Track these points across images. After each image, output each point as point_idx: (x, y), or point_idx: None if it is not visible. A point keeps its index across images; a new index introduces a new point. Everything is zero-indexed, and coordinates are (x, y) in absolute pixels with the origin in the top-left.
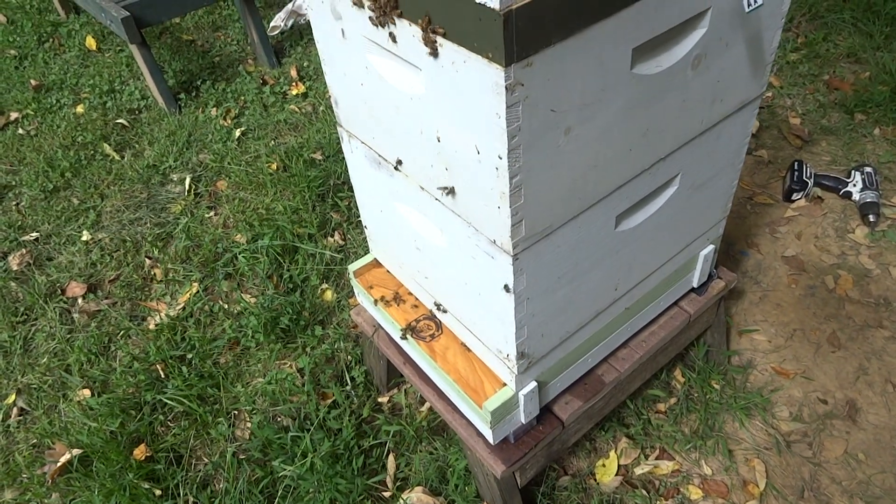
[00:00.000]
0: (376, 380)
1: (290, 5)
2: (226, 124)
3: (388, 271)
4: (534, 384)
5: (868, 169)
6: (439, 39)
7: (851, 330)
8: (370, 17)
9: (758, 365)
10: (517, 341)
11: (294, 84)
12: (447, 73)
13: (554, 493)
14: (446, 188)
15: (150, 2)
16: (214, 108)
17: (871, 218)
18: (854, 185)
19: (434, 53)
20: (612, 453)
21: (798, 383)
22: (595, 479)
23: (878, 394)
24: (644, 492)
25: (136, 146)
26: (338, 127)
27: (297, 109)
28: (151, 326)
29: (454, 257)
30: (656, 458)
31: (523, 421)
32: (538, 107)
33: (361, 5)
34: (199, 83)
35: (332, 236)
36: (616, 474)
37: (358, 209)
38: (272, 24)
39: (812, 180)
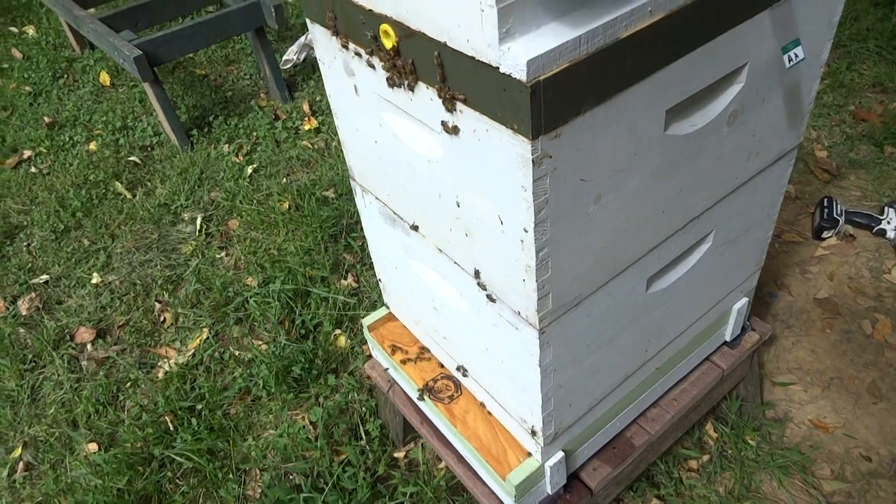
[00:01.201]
0: (392, 434)
1: (302, 38)
2: (238, 161)
3: (403, 325)
4: (560, 454)
5: None
6: (459, 105)
7: (893, 379)
8: (386, 78)
9: (794, 418)
10: (543, 413)
11: (307, 119)
12: (467, 140)
13: None
14: (476, 272)
15: (163, 40)
16: (227, 145)
17: None
18: (888, 223)
19: (453, 129)
20: None
21: (838, 438)
22: None
23: None
24: None
25: (148, 184)
26: (351, 180)
27: (309, 145)
28: (160, 375)
29: (475, 322)
30: None
31: (549, 492)
32: (567, 177)
33: (375, 67)
34: (211, 118)
35: (346, 279)
36: None
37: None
38: (285, 57)
39: (843, 217)
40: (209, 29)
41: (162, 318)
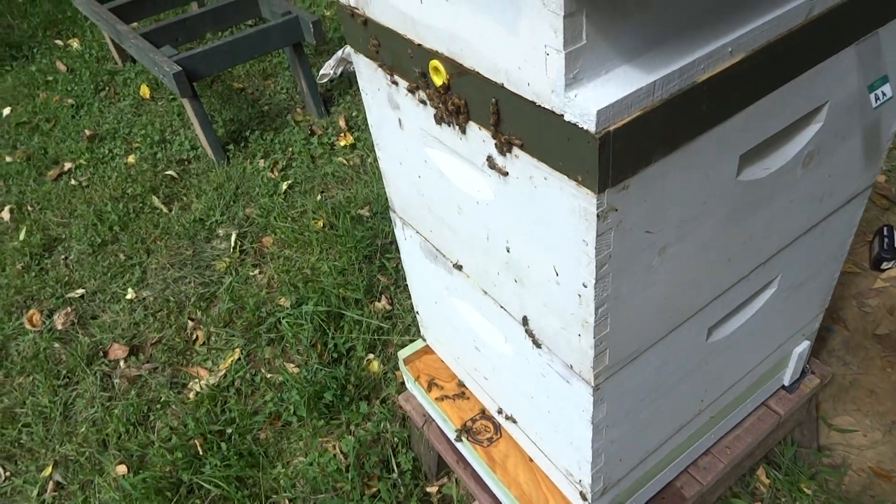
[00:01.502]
0: (425, 467)
1: (339, 53)
2: (273, 177)
3: (441, 359)
4: None
5: None
6: (515, 150)
7: None
8: (434, 115)
9: (853, 464)
10: (593, 470)
11: (342, 135)
12: (522, 186)
13: None
14: (524, 319)
15: (202, 56)
16: (262, 160)
17: None
18: None
19: (503, 171)
20: None
21: None
22: None
23: None
24: None
25: (184, 198)
26: (391, 212)
27: (344, 162)
28: (191, 396)
29: (521, 368)
30: None
31: None
32: (632, 230)
33: (424, 103)
34: (247, 133)
35: (380, 301)
36: None
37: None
38: (322, 71)
39: None
40: (247, 45)
41: (194, 337)
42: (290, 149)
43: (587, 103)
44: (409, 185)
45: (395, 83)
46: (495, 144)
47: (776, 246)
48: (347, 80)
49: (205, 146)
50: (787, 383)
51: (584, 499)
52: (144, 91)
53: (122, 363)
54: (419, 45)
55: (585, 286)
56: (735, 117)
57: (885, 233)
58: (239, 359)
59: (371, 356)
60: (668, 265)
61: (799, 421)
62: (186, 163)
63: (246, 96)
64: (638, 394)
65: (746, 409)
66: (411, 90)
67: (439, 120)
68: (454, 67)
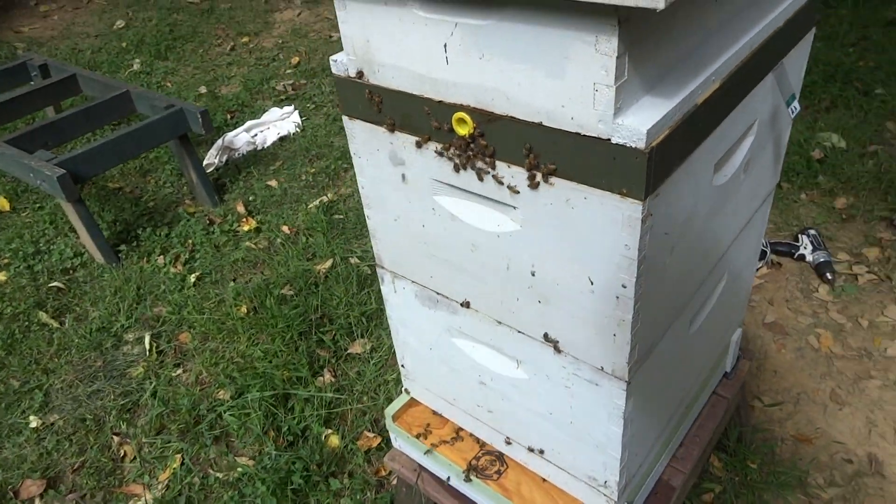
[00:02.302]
0: None
1: (219, 141)
2: (178, 271)
3: (429, 410)
4: None
5: (812, 231)
6: (551, 178)
7: (848, 385)
8: (454, 161)
9: (779, 436)
10: (620, 466)
11: (244, 220)
12: (556, 210)
13: None
14: (545, 336)
15: (86, 156)
16: (161, 256)
17: (829, 276)
18: (805, 248)
19: (535, 188)
20: None
21: (821, 447)
22: None
23: (892, 444)
24: None
25: (78, 309)
26: (378, 269)
27: (253, 246)
28: None
29: (536, 389)
30: None
31: None
32: (657, 233)
33: (441, 154)
34: (138, 231)
35: (323, 375)
36: None
37: (344, 342)
38: (205, 161)
39: (769, 248)
40: (133, 141)
41: (122, 453)
42: (190, 241)
43: (637, 126)
44: (408, 237)
45: (399, 139)
46: (528, 177)
47: (728, 242)
48: (235, 168)
49: (92, 251)
50: (728, 369)
51: (609, 499)
52: (3, 203)
53: (37, 501)
54: (439, 101)
55: (625, 287)
56: (714, 133)
57: None
58: (183, 464)
59: (329, 431)
60: (674, 263)
61: (737, 404)
62: (72, 271)
63: (125, 195)
64: (650, 386)
65: (704, 399)
66: (421, 145)
67: (462, 166)
68: (483, 116)
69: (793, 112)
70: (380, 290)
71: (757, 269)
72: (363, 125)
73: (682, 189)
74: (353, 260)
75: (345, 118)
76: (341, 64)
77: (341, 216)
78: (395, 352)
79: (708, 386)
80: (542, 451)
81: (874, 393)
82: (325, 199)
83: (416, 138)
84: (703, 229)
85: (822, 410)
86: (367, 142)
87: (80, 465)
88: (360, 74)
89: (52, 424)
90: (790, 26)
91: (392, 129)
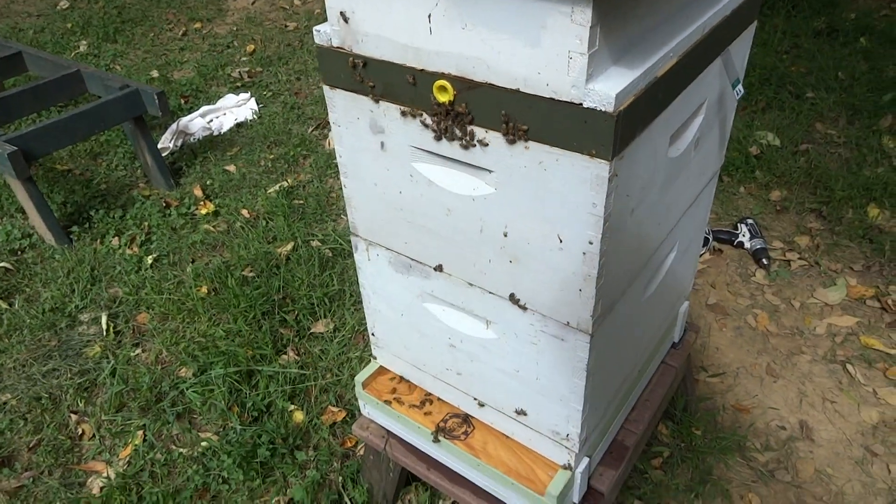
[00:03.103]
0: (378, 496)
1: (174, 126)
2: (133, 252)
3: (397, 378)
4: (587, 459)
5: (749, 220)
6: (527, 142)
7: (782, 360)
8: (433, 128)
9: (721, 406)
10: (582, 417)
11: (202, 203)
12: (529, 172)
13: None
14: (511, 296)
15: (38, 134)
16: (115, 238)
17: (765, 261)
18: (743, 236)
19: (512, 148)
20: None
21: (757, 416)
22: None
23: (820, 412)
24: None
25: (28, 290)
26: (352, 237)
27: (211, 229)
28: (95, 492)
29: (504, 348)
30: None
31: (576, 500)
32: (620, 193)
33: (423, 121)
34: (90, 213)
35: (287, 353)
36: None
37: (307, 321)
38: (160, 145)
39: (711, 235)
40: (87, 120)
41: (80, 431)
42: (146, 223)
43: (607, 91)
44: (384, 203)
45: (380, 107)
46: (505, 141)
47: (680, 213)
48: (191, 152)
49: (42, 232)
50: (676, 340)
51: (571, 451)
52: None
53: None
54: (422, 70)
55: (591, 243)
56: (670, 106)
57: None
58: (145, 440)
59: (293, 407)
60: (634, 225)
61: (683, 374)
62: (20, 252)
63: (76, 177)
64: (609, 342)
65: (654, 366)
66: (404, 113)
67: (440, 132)
68: (463, 84)
69: (738, 94)
70: (342, 272)
71: (700, 255)
72: (344, 94)
73: (642, 155)
74: (315, 243)
75: (325, 88)
76: (324, 34)
77: (301, 201)
78: (358, 331)
79: (658, 353)
80: (508, 410)
81: (805, 367)
82: (284, 184)
83: (399, 106)
84: (658, 197)
85: (759, 383)
86: (347, 110)
87: (36, 444)
88: (344, 44)
89: (5, 404)
90: (736, 16)
91: (375, 97)
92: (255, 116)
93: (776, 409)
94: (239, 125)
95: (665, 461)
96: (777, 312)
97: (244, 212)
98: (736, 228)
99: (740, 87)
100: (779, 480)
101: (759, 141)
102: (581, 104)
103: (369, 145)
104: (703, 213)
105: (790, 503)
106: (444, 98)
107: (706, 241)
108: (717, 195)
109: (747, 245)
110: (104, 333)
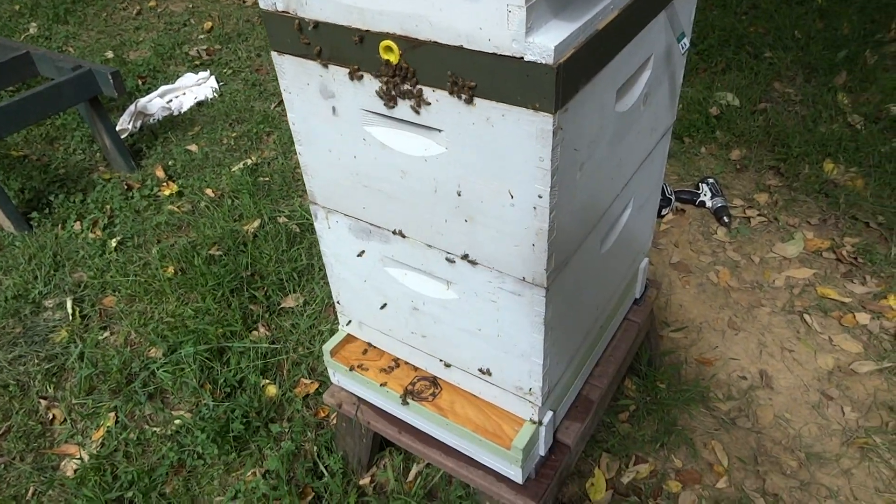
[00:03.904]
0: (353, 462)
1: (132, 107)
2: (96, 236)
3: (365, 345)
4: (551, 413)
5: (711, 180)
6: (475, 100)
7: (742, 313)
8: (380, 92)
9: (684, 359)
10: (543, 371)
11: (165, 184)
12: (477, 129)
13: None
14: (465, 255)
15: None
16: (77, 222)
17: (726, 219)
18: (705, 195)
19: (458, 105)
20: (596, 471)
21: (720, 367)
22: (590, 500)
23: (779, 361)
24: (636, 497)
25: None
26: (311, 205)
27: (176, 209)
28: (69, 473)
29: (464, 307)
30: (634, 465)
31: (542, 453)
32: (567, 147)
33: (371, 83)
34: (49, 198)
35: (258, 329)
36: (606, 489)
37: (276, 297)
38: (118, 127)
39: (674, 196)
40: (39, 103)
41: (51, 416)
42: (108, 206)
43: (546, 43)
44: (340, 169)
45: (329, 71)
46: (453, 98)
47: (632, 169)
48: (150, 133)
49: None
50: (637, 296)
51: (534, 405)
52: None
53: None
54: (367, 31)
55: (541, 197)
56: (614, 60)
57: None
58: (118, 422)
59: (266, 381)
60: (583, 180)
61: (647, 330)
62: None
63: (32, 163)
64: (567, 297)
65: (617, 323)
66: (353, 75)
67: (388, 94)
68: (409, 43)
69: (683, 48)
70: (310, 247)
71: (663, 216)
72: (292, 59)
73: (588, 109)
74: (282, 219)
75: (274, 54)
76: None
77: (266, 178)
78: (328, 304)
79: (620, 309)
80: (473, 369)
81: (764, 319)
82: (248, 161)
83: (347, 69)
84: (608, 153)
85: (721, 336)
86: (296, 76)
87: (5, 431)
88: (289, 8)
89: None
90: None
91: (323, 62)
92: (215, 95)
93: (737, 360)
94: (199, 104)
95: (631, 414)
96: (738, 268)
97: (208, 191)
98: (697, 188)
99: (686, 40)
100: (740, 427)
101: (719, 102)
102: (522, 58)
103: (321, 111)
104: (657, 170)
105: (751, 448)
106: (391, 58)
107: (669, 201)
108: (678, 156)
109: (709, 204)
110: (70, 318)
